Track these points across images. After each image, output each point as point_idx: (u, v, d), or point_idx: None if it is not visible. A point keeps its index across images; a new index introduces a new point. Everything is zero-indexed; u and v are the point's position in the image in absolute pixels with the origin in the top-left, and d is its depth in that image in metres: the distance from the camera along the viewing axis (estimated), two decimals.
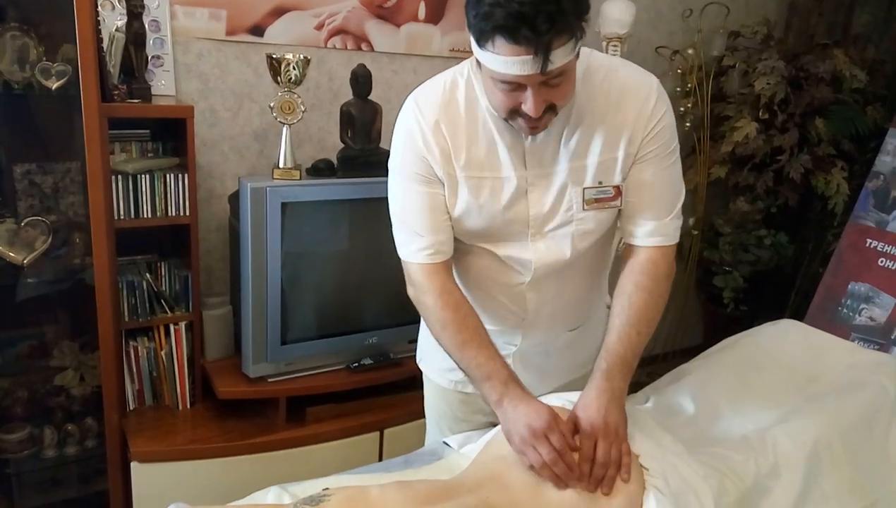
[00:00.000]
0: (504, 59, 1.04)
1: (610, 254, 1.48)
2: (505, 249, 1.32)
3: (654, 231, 1.30)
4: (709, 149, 3.14)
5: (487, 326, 1.42)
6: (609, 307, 1.61)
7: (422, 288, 1.31)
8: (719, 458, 1.40)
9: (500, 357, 1.27)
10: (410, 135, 1.26)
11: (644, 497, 1.18)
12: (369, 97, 2.04)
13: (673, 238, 1.32)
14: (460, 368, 1.31)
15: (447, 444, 1.52)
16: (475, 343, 1.27)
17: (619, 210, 1.31)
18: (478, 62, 1.11)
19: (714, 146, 3.13)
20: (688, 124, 3.07)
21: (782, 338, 1.83)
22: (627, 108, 1.23)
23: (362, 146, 2.03)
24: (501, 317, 1.43)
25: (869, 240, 2.65)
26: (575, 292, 1.42)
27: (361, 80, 1.99)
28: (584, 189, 1.26)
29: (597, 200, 1.27)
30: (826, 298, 2.70)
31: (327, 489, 1.23)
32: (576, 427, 1.20)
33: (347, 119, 2.03)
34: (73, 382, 2.13)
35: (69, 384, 2.12)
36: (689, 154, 3.11)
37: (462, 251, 1.37)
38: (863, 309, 2.59)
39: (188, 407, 2.16)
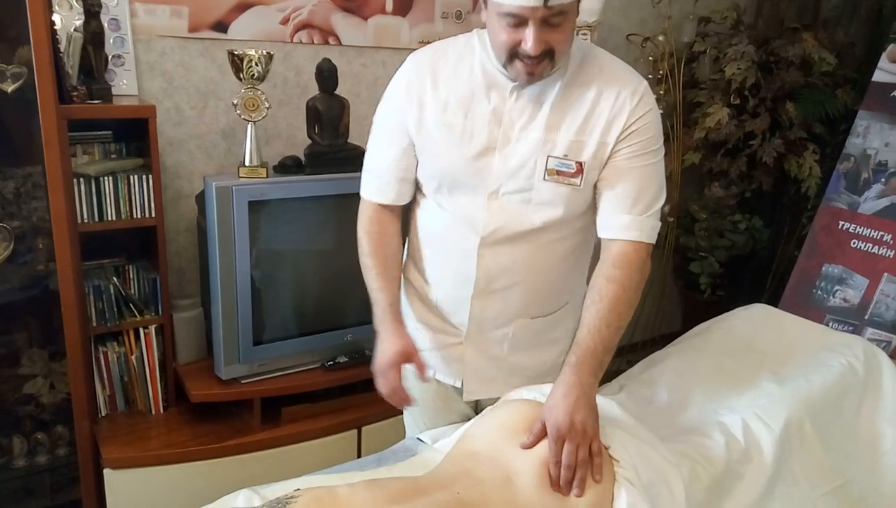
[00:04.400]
0: None
1: (585, 255, 1.46)
2: (459, 204, 1.35)
3: (629, 225, 1.29)
4: (682, 135, 3.14)
5: (438, 295, 1.45)
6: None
7: (363, 220, 1.43)
8: (692, 445, 1.41)
9: (394, 289, 1.41)
10: (396, 88, 1.37)
11: (615, 489, 1.18)
12: (336, 91, 2.01)
13: (648, 236, 1.31)
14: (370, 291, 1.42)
15: (421, 440, 1.51)
16: (379, 272, 1.39)
17: (595, 205, 1.33)
18: (485, 2, 1.20)
19: (687, 132, 3.13)
20: (661, 111, 3.05)
21: (754, 323, 1.83)
22: (611, 99, 1.27)
23: (330, 141, 2.00)
24: (451, 282, 1.42)
25: (841, 223, 2.67)
26: (533, 273, 1.38)
27: (327, 75, 1.97)
28: (548, 157, 1.27)
29: (558, 172, 1.29)
30: (801, 281, 2.72)
31: (298, 489, 1.21)
32: (543, 429, 1.19)
33: (314, 114, 2.00)
34: (44, 390, 2.09)
35: (39, 392, 2.08)
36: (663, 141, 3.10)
37: (416, 207, 1.44)
38: (836, 290, 2.60)
39: (161, 411, 2.13)
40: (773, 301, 2.57)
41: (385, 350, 1.35)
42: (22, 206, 2.02)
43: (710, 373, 1.64)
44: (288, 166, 1.99)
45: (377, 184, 1.43)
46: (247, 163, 1.91)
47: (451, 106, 1.31)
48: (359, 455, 2.20)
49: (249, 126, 1.92)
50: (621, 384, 1.69)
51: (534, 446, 1.19)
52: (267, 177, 1.94)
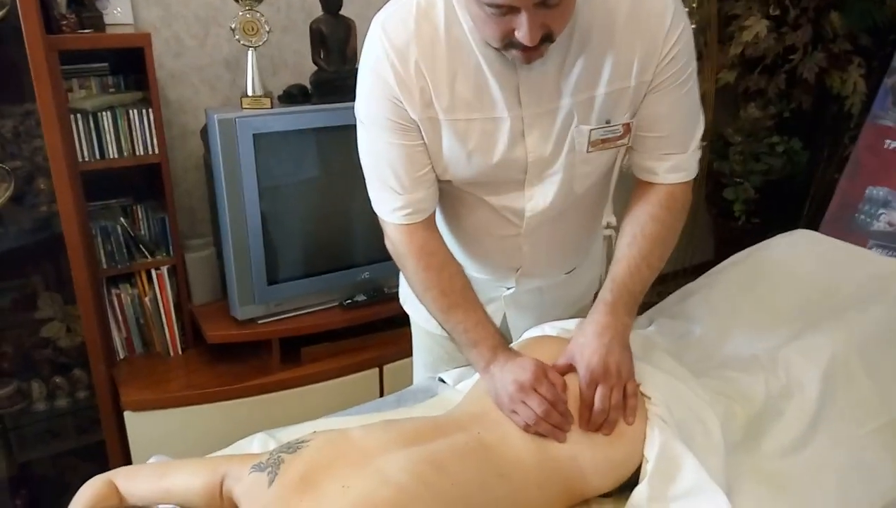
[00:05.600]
0: None
1: (609, 188, 1.34)
2: (497, 198, 1.18)
3: (676, 166, 1.16)
4: (716, 52, 2.94)
5: (480, 275, 1.32)
6: (607, 236, 1.52)
7: (401, 249, 1.19)
8: (727, 381, 1.32)
9: (489, 321, 1.17)
10: (379, 75, 1.06)
11: (647, 428, 1.10)
12: (341, 12, 1.87)
13: (694, 171, 1.18)
14: (445, 330, 1.21)
15: (442, 380, 1.44)
16: (461, 307, 1.16)
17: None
18: None
19: (722, 49, 2.93)
20: (693, 26, 2.85)
21: (795, 250, 1.71)
22: (639, 29, 1.04)
23: (336, 68, 1.87)
24: (494, 267, 1.32)
25: (888, 141, 2.49)
26: (572, 236, 1.30)
27: None
28: (590, 130, 1.10)
29: (603, 140, 1.12)
30: (842, 205, 2.56)
31: (315, 432, 1.17)
32: (568, 366, 1.11)
33: (318, 38, 1.87)
34: (61, 333, 2.07)
35: (56, 335, 2.06)
36: (696, 58, 2.91)
37: (449, 196, 1.23)
38: (881, 214, 2.45)
39: (180, 353, 2.10)
40: (812, 227, 2.42)
41: (516, 369, 1.09)
42: (22, 145, 1.94)
43: (748, 305, 1.53)
44: (293, 95, 1.87)
45: (401, 201, 1.14)
46: (249, 93, 1.80)
47: (459, 101, 1.07)
48: (381, 394, 2.17)
49: (250, 52, 1.80)
50: (652, 318, 1.59)
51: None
52: (272, 107, 1.83)
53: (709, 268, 1.79)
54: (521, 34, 0.92)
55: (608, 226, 1.72)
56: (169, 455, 1.17)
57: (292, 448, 1.03)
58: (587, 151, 1.12)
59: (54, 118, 1.62)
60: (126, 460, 1.96)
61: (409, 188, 1.14)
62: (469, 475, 1.00)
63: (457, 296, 1.17)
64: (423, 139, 1.10)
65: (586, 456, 1.07)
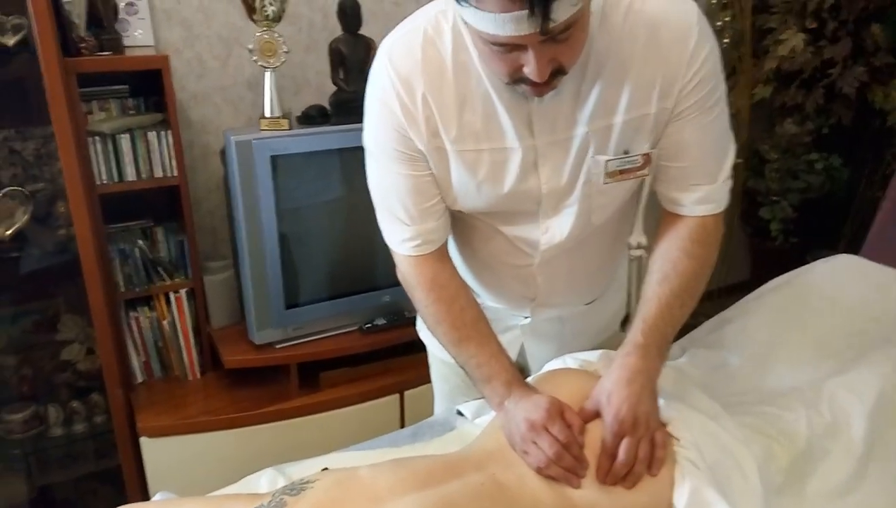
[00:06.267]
0: (493, 17, 0.81)
1: (633, 217, 1.27)
2: (511, 229, 1.13)
3: (704, 198, 1.08)
4: (751, 67, 2.85)
5: (495, 303, 1.26)
6: (636, 256, 1.44)
7: (411, 281, 1.15)
8: (766, 419, 1.23)
9: (503, 354, 1.11)
10: (384, 104, 1.02)
11: (675, 473, 1.02)
12: (361, 31, 1.84)
13: (724, 202, 1.10)
14: (458, 364, 1.15)
15: (460, 413, 1.38)
16: (474, 340, 1.10)
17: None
18: (462, 19, 0.89)
19: (757, 63, 2.84)
20: (726, 40, 2.77)
21: (838, 276, 1.61)
22: (660, 54, 0.97)
23: (356, 88, 1.83)
24: (509, 297, 1.25)
25: None
26: (591, 266, 1.23)
27: (350, 13, 1.79)
28: (606, 161, 1.03)
29: (621, 171, 1.05)
30: (885, 226, 2.43)
31: (326, 469, 1.12)
32: (594, 413, 1.03)
33: (338, 58, 1.84)
34: (80, 356, 2.06)
35: (76, 358, 2.05)
36: (729, 74, 2.83)
37: (462, 224, 1.18)
38: None
39: (198, 376, 2.07)
40: (853, 248, 2.32)
41: (529, 407, 1.02)
42: (44, 168, 1.95)
43: (789, 335, 1.44)
44: (312, 116, 1.84)
45: (410, 232, 1.10)
46: (267, 115, 1.77)
47: (468, 132, 1.01)
48: (402, 420, 2.11)
49: (268, 73, 1.77)
50: (684, 347, 1.50)
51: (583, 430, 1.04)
52: (290, 128, 1.79)
53: (744, 288, 1.71)
54: (530, 70, 0.87)
55: (638, 247, 1.64)
56: (185, 483, 1.14)
57: (296, 489, 0.98)
58: (604, 183, 1.05)
59: (71, 141, 1.61)
60: (143, 485, 1.93)
61: (417, 219, 1.09)
62: None
63: (468, 330, 1.11)
64: (431, 169, 1.06)
65: (607, 504, 0.98)
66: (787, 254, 2.80)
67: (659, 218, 1.16)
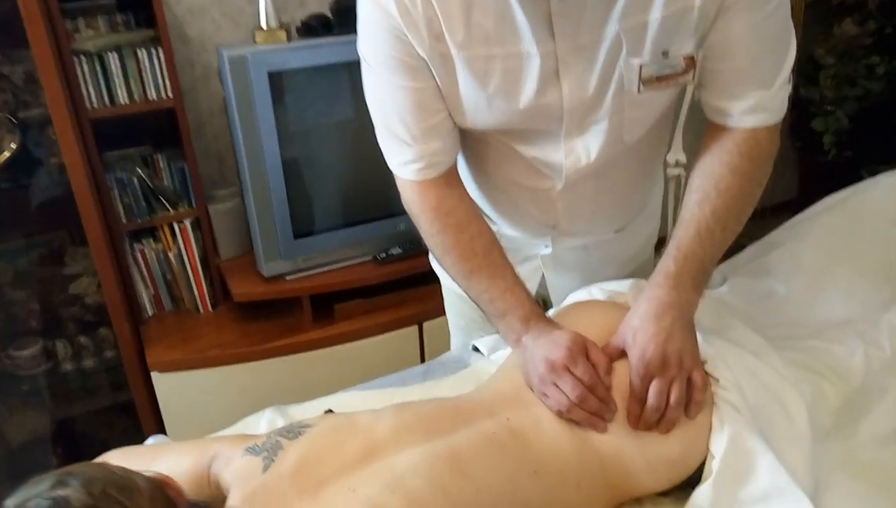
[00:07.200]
0: None
1: (671, 133, 1.13)
2: (529, 148, 0.99)
3: (756, 106, 0.93)
4: None
5: (512, 232, 1.14)
6: (675, 175, 1.30)
7: (414, 208, 1.04)
8: (817, 354, 1.12)
9: (519, 287, 1.00)
10: (379, 4, 0.89)
11: (714, 418, 0.90)
12: None
13: (781, 112, 0.95)
14: (470, 298, 1.04)
15: (476, 349, 1.27)
16: (485, 272, 1.00)
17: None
18: None
19: None
20: None
21: None
22: None
23: None
24: (527, 225, 1.13)
25: None
26: (622, 189, 1.10)
27: None
28: (641, 65, 0.88)
29: (658, 78, 0.90)
30: None
31: (330, 410, 1.05)
32: (622, 350, 0.92)
33: None
34: (90, 289, 2.00)
35: (85, 291, 1.99)
36: None
37: (474, 140, 1.04)
38: None
39: (210, 309, 2.01)
40: None
41: (548, 345, 0.92)
42: (38, 93, 1.84)
43: (845, 260, 1.29)
44: (312, 27, 1.68)
45: (413, 153, 0.99)
46: (262, 26, 1.61)
47: (477, 34, 0.88)
48: (422, 352, 2.04)
49: None
50: (725, 274, 1.37)
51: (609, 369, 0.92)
52: (289, 41, 1.64)
53: (792, 207, 1.55)
54: None
55: (676, 165, 1.48)
56: (199, 416, 1.09)
57: (293, 432, 0.91)
58: (638, 91, 0.90)
59: (51, 61, 1.49)
60: (157, 418, 1.90)
61: (420, 139, 0.97)
62: (495, 476, 0.84)
63: (479, 260, 1.00)
64: (434, 80, 0.93)
65: (635, 451, 0.89)
66: (840, 169, 2.60)
67: (702, 132, 1.00)
